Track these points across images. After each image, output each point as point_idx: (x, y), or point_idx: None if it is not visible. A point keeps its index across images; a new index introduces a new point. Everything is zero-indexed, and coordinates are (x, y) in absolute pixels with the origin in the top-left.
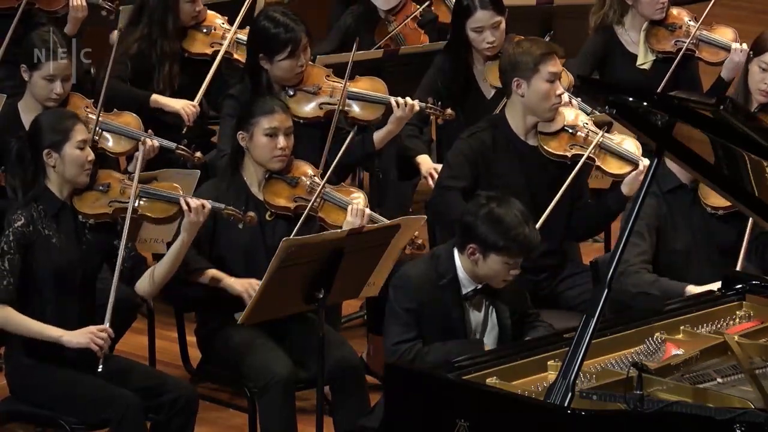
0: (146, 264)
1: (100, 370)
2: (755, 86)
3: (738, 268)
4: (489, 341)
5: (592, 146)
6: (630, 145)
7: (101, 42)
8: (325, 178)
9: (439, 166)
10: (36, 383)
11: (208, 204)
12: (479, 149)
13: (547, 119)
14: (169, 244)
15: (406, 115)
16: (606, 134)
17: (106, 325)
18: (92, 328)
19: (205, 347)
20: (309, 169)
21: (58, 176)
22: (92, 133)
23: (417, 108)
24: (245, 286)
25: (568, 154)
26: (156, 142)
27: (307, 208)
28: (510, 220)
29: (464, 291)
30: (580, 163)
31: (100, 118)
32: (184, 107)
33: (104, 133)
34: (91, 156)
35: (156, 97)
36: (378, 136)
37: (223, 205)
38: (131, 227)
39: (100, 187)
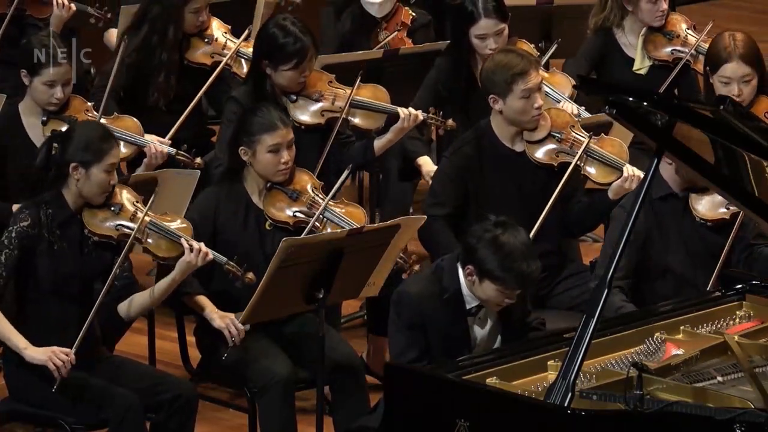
0: (137, 288)
1: (54, 390)
2: None
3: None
4: None
5: (578, 154)
6: (616, 150)
7: (101, 42)
8: (328, 198)
9: None
10: (35, 383)
11: (211, 255)
12: (464, 166)
13: (529, 129)
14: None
15: (409, 126)
16: (593, 139)
17: (72, 350)
18: (55, 349)
19: (205, 348)
20: (310, 181)
21: (76, 189)
22: None
23: (421, 118)
24: (226, 322)
25: (555, 163)
26: (160, 147)
27: (309, 225)
28: (510, 250)
29: (468, 306)
30: (567, 173)
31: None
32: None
33: None
34: (115, 180)
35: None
36: (378, 144)
37: (225, 259)
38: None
39: (112, 208)
